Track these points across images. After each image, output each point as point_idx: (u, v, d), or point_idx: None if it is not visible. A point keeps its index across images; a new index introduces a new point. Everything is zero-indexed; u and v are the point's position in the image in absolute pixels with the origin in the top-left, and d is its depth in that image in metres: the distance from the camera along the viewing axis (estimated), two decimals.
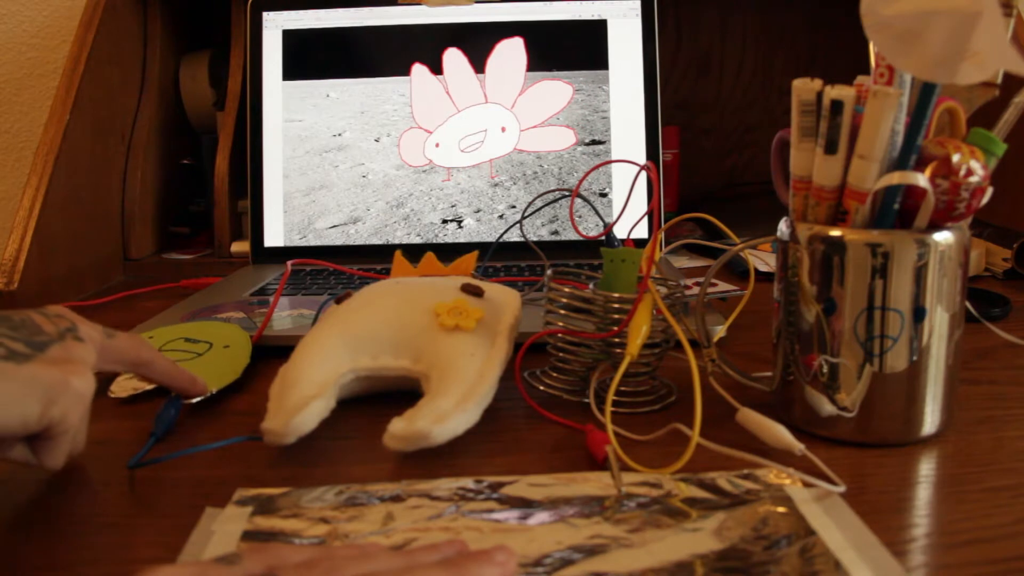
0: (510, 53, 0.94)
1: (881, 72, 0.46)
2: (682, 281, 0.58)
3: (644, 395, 0.56)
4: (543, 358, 0.58)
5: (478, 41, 0.94)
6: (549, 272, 0.57)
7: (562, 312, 0.55)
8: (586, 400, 0.55)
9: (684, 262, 0.98)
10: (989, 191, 0.46)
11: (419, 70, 0.94)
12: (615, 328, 0.53)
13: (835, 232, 0.48)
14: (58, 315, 0.47)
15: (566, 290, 0.55)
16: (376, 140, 0.95)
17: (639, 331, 0.51)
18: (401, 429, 0.47)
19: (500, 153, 0.93)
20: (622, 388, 0.54)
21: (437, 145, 0.93)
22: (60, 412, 0.43)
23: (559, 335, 0.56)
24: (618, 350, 0.54)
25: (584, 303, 0.54)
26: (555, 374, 0.57)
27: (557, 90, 0.94)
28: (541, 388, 0.57)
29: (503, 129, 0.93)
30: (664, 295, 0.54)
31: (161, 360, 0.53)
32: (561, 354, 0.56)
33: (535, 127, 0.93)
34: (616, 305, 0.53)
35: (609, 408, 0.48)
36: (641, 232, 0.91)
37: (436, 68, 0.94)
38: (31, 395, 0.42)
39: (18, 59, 1.22)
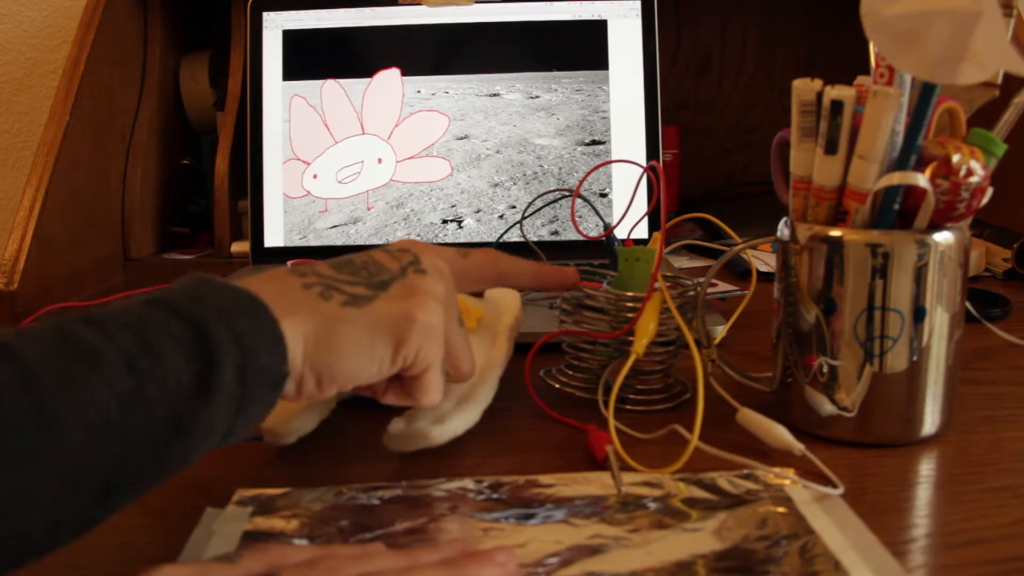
0: (387, 84, 0.94)
1: (881, 72, 0.46)
2: (694, 280, 0.58)
3: (658, 393, 0.56)
4: (550, 358, 0.58)
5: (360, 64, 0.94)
6: None
7: (577, 311, 0.55)
8: (598, 397, 0.55)
9: (684, 262, 0.98)
10: (989, 191, 0.46)
11: (297, 102, 0.94)
12: (624, 327, 0.53)
13: (835, 232, 0.48)
14: (401, 250, 0.46)
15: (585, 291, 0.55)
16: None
17: (646, 329, 0.51)
18: (401, 429, 0.47)
19: (376, 184, 0.93)
20: (637, 386, 0.55)
21: (315, 176, 0.94)
22: (413, 349, 0.41)
23: (574, 334, 0.56)
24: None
25: (597, 302, 0.55)
26: (570, 372, 0.57)
27: (433, 121, 0.94)
28: (557, 386, 0.57)
29: (379, 160, 0.93)
30: (676, 294, 0.54)
31: (523, 264, 0.51)
32: (576, 352, 0.57)
33: (411, 158, 0.94)
34: (629, 304, 0.53)
35: (612, 407, 0.48)
36: (641, 232, 0.90)
37: (314, 103, 0.94)
38: (377, 336, 0.41)
39: (18, 59, 1.22)
